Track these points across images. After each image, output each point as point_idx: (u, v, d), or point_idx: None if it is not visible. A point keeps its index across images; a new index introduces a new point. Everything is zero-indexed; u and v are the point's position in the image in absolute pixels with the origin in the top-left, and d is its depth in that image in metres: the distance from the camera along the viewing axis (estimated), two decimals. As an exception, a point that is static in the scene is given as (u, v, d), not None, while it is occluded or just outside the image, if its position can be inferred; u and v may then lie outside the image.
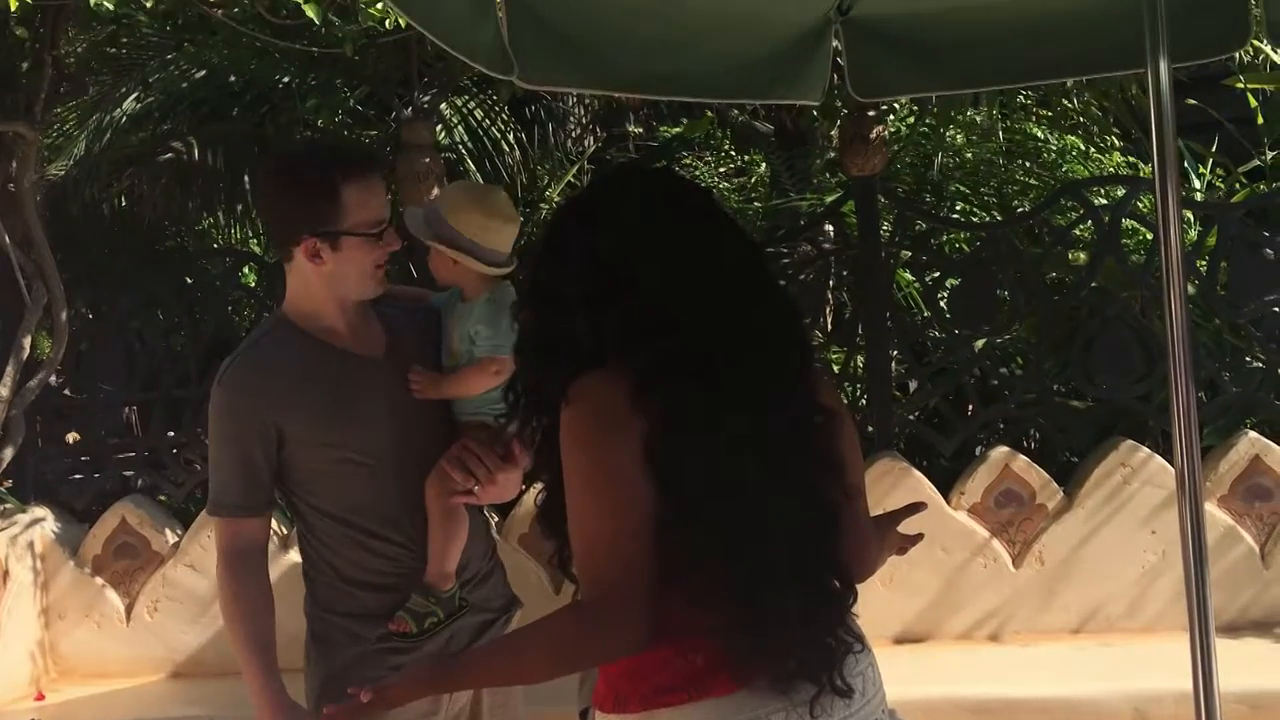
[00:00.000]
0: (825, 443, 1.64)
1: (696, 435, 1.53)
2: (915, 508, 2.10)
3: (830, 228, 5.76)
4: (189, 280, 5.49)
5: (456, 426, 2.28)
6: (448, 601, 2.22)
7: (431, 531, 2.21)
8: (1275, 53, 6.12)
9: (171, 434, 5.27)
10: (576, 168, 7.00)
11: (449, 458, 2.20)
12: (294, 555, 3.96)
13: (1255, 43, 4.56)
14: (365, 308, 2.26)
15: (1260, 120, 6.57)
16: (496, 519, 4.71)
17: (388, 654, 2.20)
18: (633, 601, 1.50)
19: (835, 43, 3.16)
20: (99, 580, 4.80)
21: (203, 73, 6.25)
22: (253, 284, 5.95)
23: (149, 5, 4.06)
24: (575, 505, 1.56)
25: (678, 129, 7.29)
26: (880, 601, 4.43)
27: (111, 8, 4.02)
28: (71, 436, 5.31)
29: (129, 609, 4.79)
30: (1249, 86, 6.42)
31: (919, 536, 2.07)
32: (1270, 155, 6.41)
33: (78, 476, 5.22)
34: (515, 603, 2.44)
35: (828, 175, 6.57)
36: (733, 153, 7.26)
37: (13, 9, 3.84)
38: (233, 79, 6.26)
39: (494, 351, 2.21)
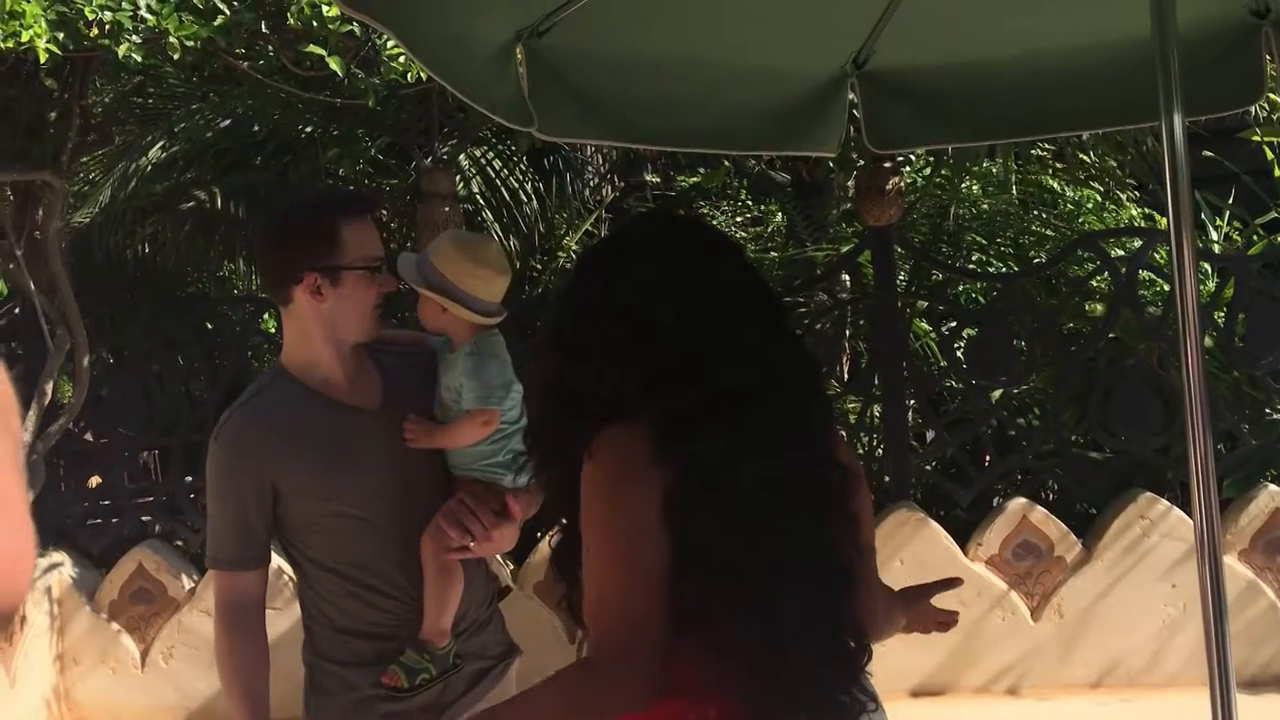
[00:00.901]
0: (842, 499, 1.64)
1: (717, 489, 1.53)
2: (952, 583, 2.09)
3: (847, 277, 5.78)
4: (209, 326, 5.54)
5: (452, 478, 2.29)
6: (442, 659, 2.21)
7: (427, 588, 2.21)
8: (1290, 106, 6.14)
9: (189, 479, 5.29)
10: (594, 217, 7.06)
11: (444, 513, 2.21)
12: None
13: (1272, 96, 4.59)
14: (362, 355, 2.28)
15: (1277, 172, 6.58)
16: (512, 567, 4.70)
17: (380, 701, 2.20)
18: (639, 657, 1.50)
19: (851, 95, 3.20)
20: (115, 626, 4.80)
21: (227, 122, 6.35)
22: (272, 330, 5.99)
23: (176, 57, 4.13)
24: (591, 558, 1.56)
25: (695, 179, 7.35)
26: (898, 654, 4.39)
27: (139, 59, 4.09)
28: (93, 480, 5.33)
29: (144, 655, 4.79)
30: (1265, 140, 6.44)
31: (955, 614, 2.07)
32: (1287, 207, 6.42)
33: (96, 521, 5.24)
34: (514, 650, 2.43)
35: (844, 225, 6.60)
36: (749, 203, 7.30)
37: (42, 60, 3.92)
38: (256, 129, 6.36)
39: (481, 404, 2.21)
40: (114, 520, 5.18)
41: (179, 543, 5.14)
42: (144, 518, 5.20)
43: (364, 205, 2.31)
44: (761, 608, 1.52)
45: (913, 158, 6.60)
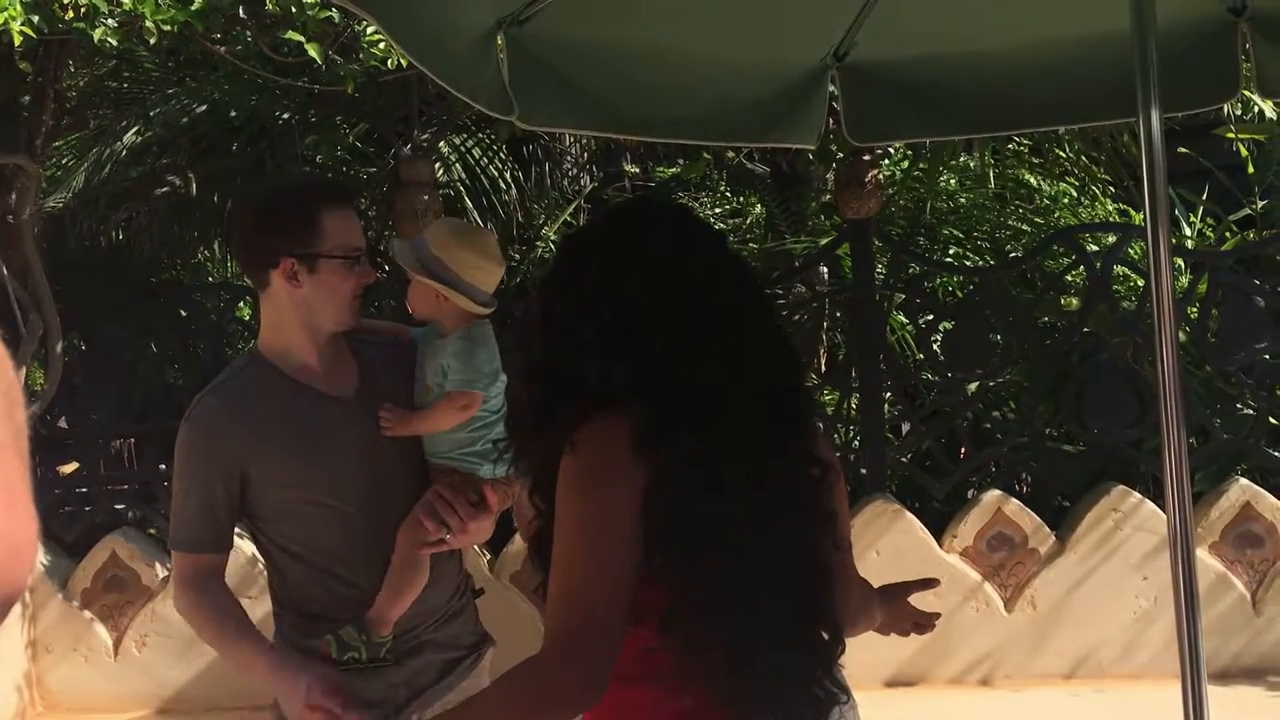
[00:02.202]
0: (820, 495, 1.64)
1: (699, 484, 1.52)
2: (929, 583, 2.10)
3: (825, 270, 5.80)
4: (184, 313, 5.50)
5: (429, 471, 2.28)
6: (375, 647, 2.19)
7: (389, 578, 2.19)
8: (1265, 104, 6.20)
9: (163, 467, 5.26)
10: (573, 206, 7.05)
11: (422, 506, 2.20)
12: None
13: (1246, 93, 4.62)
14: (339, 342, 2.27)
15: (1251, 169, 6.64)
16: (488, 557, 4.70)
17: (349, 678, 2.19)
18: (593, 658, 1.49)
19: (831, 87, 3.20)
20: (87, 614, 4.77)
21: (203, 108, 6.31)
22: (248, 317, 5.96)
23: (152, 41, 4.09)
24: (559, 550, 1.55)
25: (674, 170, 7.35)
26: (872, 645, 4.37)
27: (115, 43, 4.05)
28: (67, 468, 5.29)
29: (117, 643, 4.76)
30: (1239, 137, 6.50)
31: (934, 617, 2.08)
32: (1260, 204, 6.48)
33: (69, 509, 5.20)
34: (487, 640, 2.42)
35: (823, 218, 6.62)
36: (728, 194, 7.31)
37: (17, 43, 3.88)
38: (233, 115, 6.31)
39: (463, 386, 2.20)
40: (87, 508, 5.14)
41: (152, 531, 5.11)
42: (117, 506, 5.17)
43: (346, 193, 2.30)
44: (738, 603, 1.52)
45: (891, 151, 6.62)
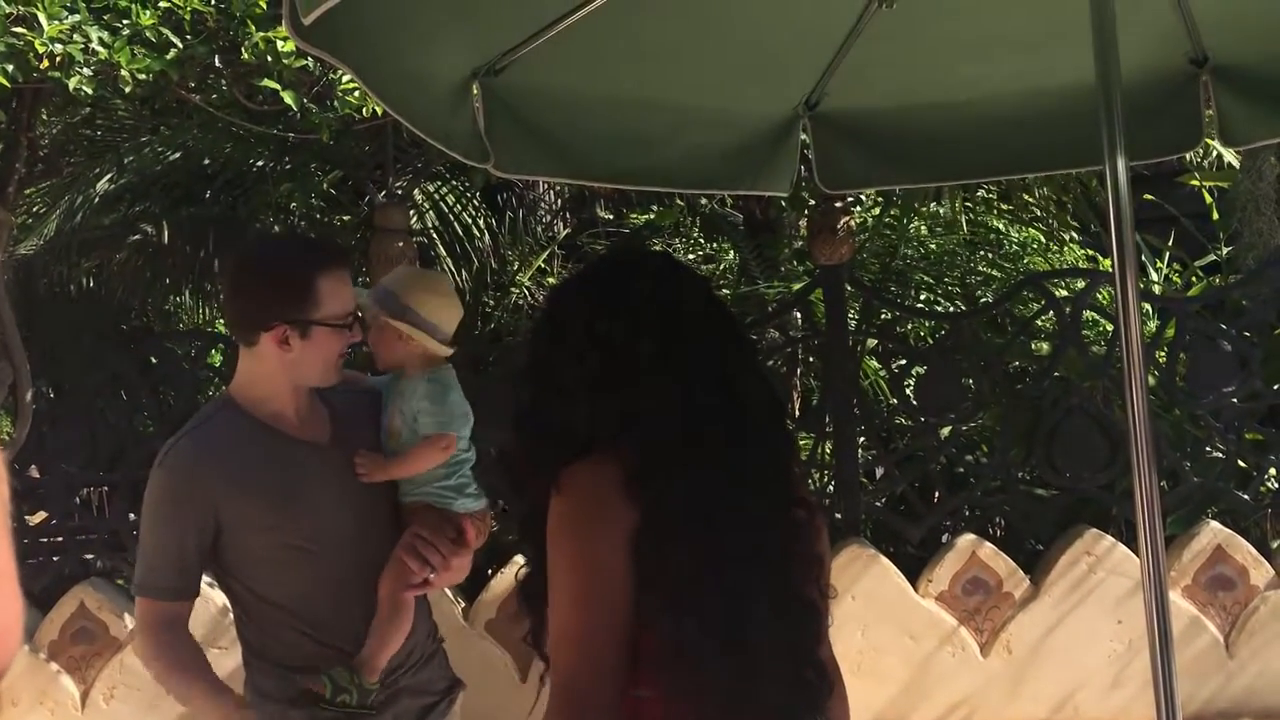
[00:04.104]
0: (805, 539, 1.65)
1: (687, 529, 1.52)
2: None
3: (798, 315, 5.84)
4: (154, 360, 5.46)
5: (402, 513, 2.28)
6: (365, 693, 2.18)
7: (377, 623, 2.19)
8: (1227, 152, 6.32)
9: (133, 516, 5.19)
10: (547, 253, 7.07)
11: (403, 547, 2.20)
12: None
13: (1209, 141, 4.71)
14: (312, 393, 2.27)
15: (1215, 215, 6.75)
16: (463, 604, 4.66)
17: None
18: (600, 699, 1.49)
19: (803, 136, 3.25)
20: (54, 666, 4.69)
21: (177, 155, 6.31)
22: (219, 364, 5.93)
23: (127, 90, 4.09)
24: (556, 597, 1.55)
25: (648, 216, 7.40)
26: (849, 689, 4.38)
27: (90, 91, 4.05)
28: (35, 518, 5.22)
29: (84, 696, 4.68)
30: (1203, 184, 6.62)
31: None
32: (1225, 250, 6.59)
33: (37, 559, 5.13)
34: (458, 685, 2.42)
35: (795, 264, 6.67)
36: (702, 240, 7.36)
37: (-9, 92, 3.88)
38: (207, 162, 6.32)
39: (439, 429, 2.22)
40: (55, 558, 5.07)
41: (121, 581, 5.03)
42: (86, 555, 5.09)
43: (341, 257, 2.30)
44: (730, 649, 1.52)
45: (863, 198, 6.70)
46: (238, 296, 2.25)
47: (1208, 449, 5.15)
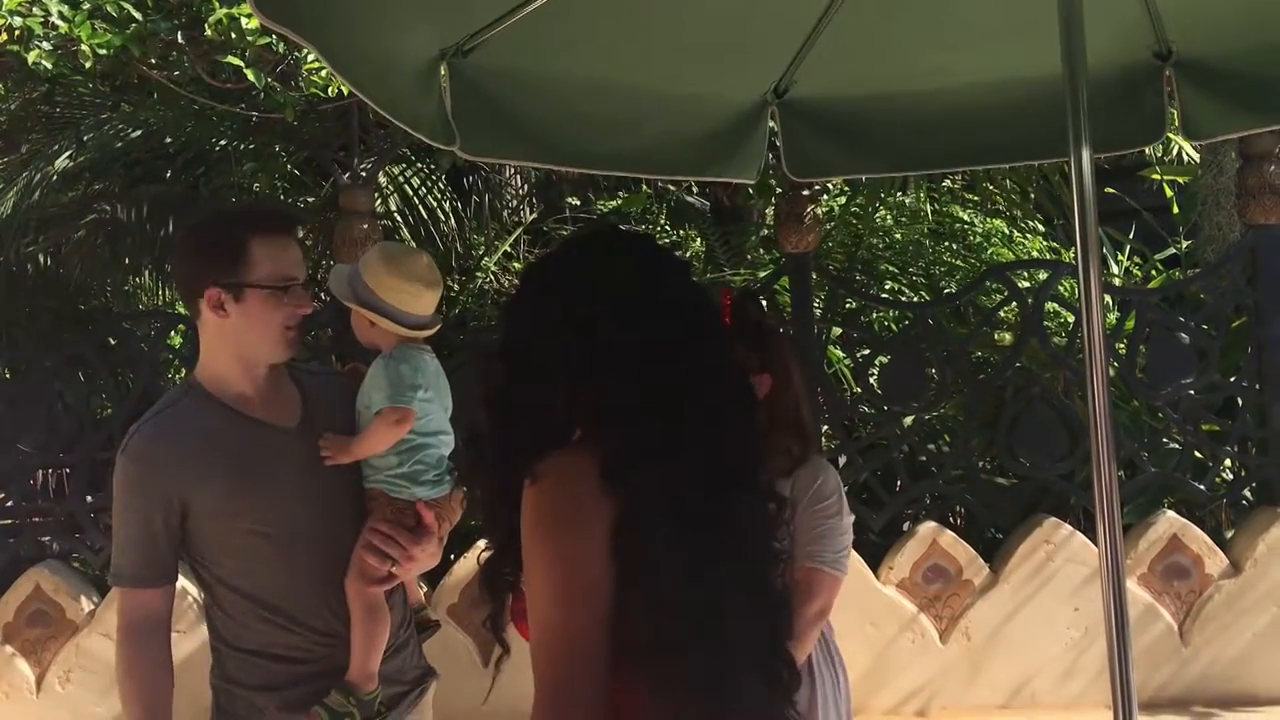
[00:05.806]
0: (776, 530, 1.64)
1: (664, 522, 1.50)
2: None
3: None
4: (113, 341, 5.39)
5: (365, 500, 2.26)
6: (367, 704, 2.16)
7: (354, 629, 2.17)
8: (1187, 146, 6.39)
9: (90, 499, 5.13)
10: (513, 237, 7.04)
11: (362, 545, 2.18)
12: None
13: (1171, 135, 4.76)
14: (279, 374, 2.24)
15: (1175, 209, 6.83)
16: (425, 589, 4.65)
17: None
18: (585, 694, 1.48)
19: (772, 123, 3.25)
20: (9, 649, 4.63)
21: (138, 133, 6.21)
22: (179, 345, 5.87)
23: (88, 65, 4.03)
24: (536, 594, 1.52)
25: (615, 202, 7.38)
26: (809, 676, 4.43)
27: (50, 66, 3.99)
28: (-9, 499, 5.16)
29: (40, 679, 4.63)
30: (1164, 178, 6.69)
31: None
32: (1185, 244, 6.66)
33: (-9, 541, 5.06)
34: (430, 674, 2.40)
35: (762, 252, 6.68)
36: (668, 227, 7.35)
37: (-54, 65, 3.81)
38: (168, 140, 6.23)
39: (391, 402, 2.19)
40: (10, 540, 5.00)
41: (78, 564, 4.98)
42: (42, 537, 5.03)
43: (282, 222, 2.26)
44: (706, 643, 1.51)
45: (830, 187, 6.72)
46: (176, 264, 2.25)
47: (1165, 440, 5.21)
